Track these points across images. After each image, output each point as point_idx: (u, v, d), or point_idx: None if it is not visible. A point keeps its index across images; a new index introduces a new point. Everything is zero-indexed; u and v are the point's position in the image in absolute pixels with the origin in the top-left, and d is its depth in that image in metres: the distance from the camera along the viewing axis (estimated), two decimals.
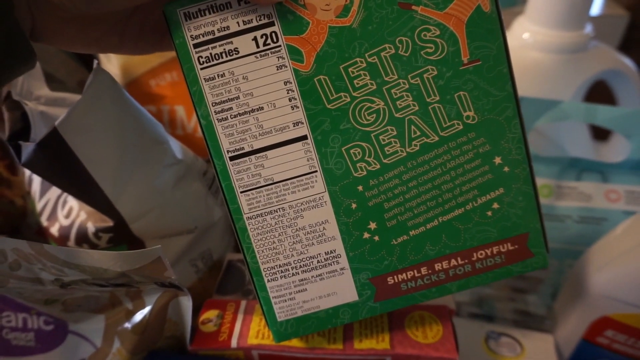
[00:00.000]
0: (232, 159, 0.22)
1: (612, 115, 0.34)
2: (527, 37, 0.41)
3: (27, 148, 0.23)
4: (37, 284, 0.23)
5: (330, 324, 0.25)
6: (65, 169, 0.23)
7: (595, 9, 0.56)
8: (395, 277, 0.24)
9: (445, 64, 0.21)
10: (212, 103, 0.21)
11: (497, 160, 0.23)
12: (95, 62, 0.23)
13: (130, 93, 0.38)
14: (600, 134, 0.50)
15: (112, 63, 0.38)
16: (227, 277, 0.32)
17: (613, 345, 0.30)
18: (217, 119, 0.21)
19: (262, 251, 0.23)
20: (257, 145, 0.22)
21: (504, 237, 0.24)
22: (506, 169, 0.23)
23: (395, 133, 0.22)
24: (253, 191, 0.22)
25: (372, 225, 0.23)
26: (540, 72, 0.41)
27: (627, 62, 0.42)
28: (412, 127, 0.22)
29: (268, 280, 0.24)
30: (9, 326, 0.27)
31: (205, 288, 0.33)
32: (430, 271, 0.24)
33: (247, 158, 0.22)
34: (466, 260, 0.24)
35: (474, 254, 0.24)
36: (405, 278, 0.25)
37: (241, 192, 0.22)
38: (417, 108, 0.22)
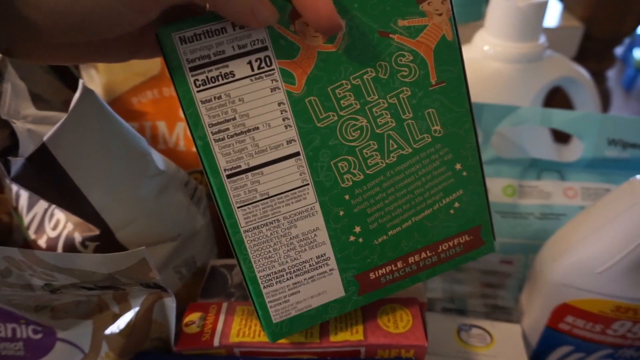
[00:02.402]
0: (229, 177, 0.23)
1: (566, 118, 0.37)
2: (487, 48, 0.44)
3: (17, 163, 0.24)
4: (28, 290, 0.24)
5: (320, 319, 0.27)
6: (53, 181, 0.25)
7: (552, 21, 0.60)
8: (376, 272, 0.27)
9: (417, 85, 0.24)
10: (208, 124, 0.22)
11: (458, 166, 0.26)
12: (81, 81, 0.25)
13: (114, 110, 0.39)
14: (562, 137, 0.53)
15: (95, 82, 0.39)
16: (210, 282, 0.34)
17: (574, 331, 0.33)
18: (214, 140, 0.22)
19: (258, 260, 0.25)
20: (254, 163, 0.23)
21: (463, 229, 0.27)
22: (465, 173, 0.26)
23: (376, 147, 0.25)
24: (250, 206, 0.24)
25: (357, 229, 0.26)
26: (500, 80, 0.43)
27: (580, 69, 0.45)
28: (390, 141, 0.25)
29: (264, 287, 0.26)
30: None
31: (189, 294, 0.35)
32: (404, 264, 0.27)
33: (243, 175, 0.23)
34: (433, 252, 0.27)
35: (440, 246, 0.27)
36: (385, 272, 0.27)
37: (238, 208, 0.24)
38: (394, 124, 0.25)
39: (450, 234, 0.27)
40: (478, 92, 0.44)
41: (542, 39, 0.44)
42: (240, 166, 0.23)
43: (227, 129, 0.23)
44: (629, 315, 0.30)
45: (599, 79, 0.62)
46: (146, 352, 0.28)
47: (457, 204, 0.26)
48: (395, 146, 0.25)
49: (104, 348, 0.28)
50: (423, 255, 0.27)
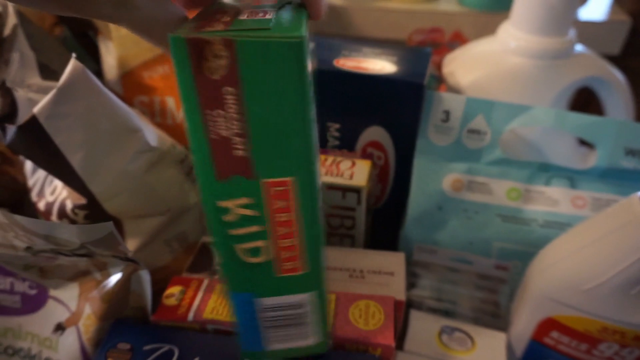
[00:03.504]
0: None
1: (580, 122, 0.35)
2: (509, 42, 0.42)
3: (10, 131, 0.26)
4: (12, 250, 0.26)
5: None
6: (42, 150, 0.26)
7: (599, 13, 0.56)
8: None
9: None
10: None
11: None
12: (73, 56, 0.26)
13: (126, 83, 0.41)
14: None
15: (111, 55, 0.41)
16: (198, 257, 0.35)
17: (559, 347, 0.31)
18: None
19: None
20: None
21: None
22: None
23: None
24: None
25: None
26: (520, 77, 0.41)
27: (612, 69, 0.42)
28: None
29: None
30: None
31: (180, 268, 0.36)
32: None
33: None
34: None
35: None
36: None
37: None
38: None
39: None
40: (495, 88, 0.42)
41: (571, 34, 0.41)
42: None
43: None
44: (616, 338, 0.28)
45: None
46: (125, 319, 0.30)
47: None
48: None
49: (87, 310, 0.29)
50: None
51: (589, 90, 0.43)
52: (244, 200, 0.21)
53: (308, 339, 0.26)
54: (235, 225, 0.21)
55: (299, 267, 0.23)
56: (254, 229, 0.21)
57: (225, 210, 0.21)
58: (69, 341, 0.30)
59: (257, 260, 0.22)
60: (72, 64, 0.26)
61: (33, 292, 0.31)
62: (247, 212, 0.21)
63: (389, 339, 0.28)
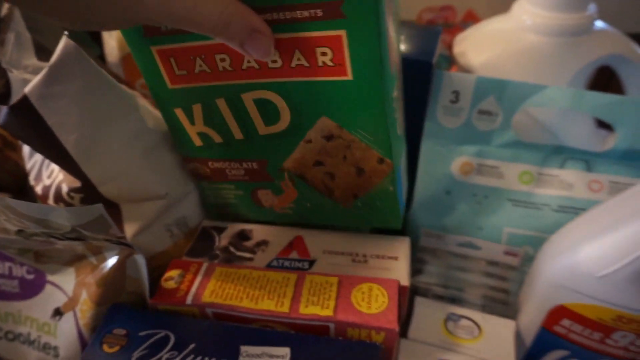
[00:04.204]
0: None
1: (599, 102, 0.33)
2: (525, 19, 0.40)
3: (2, 111, 0.25)
4: (4, 234, 0.25)
5: None
6: (36, 132, 0.26)
7: None
8: None
9: None
10: None
11: None
12: (64, 35, 0.25)
13: (127, 66, 0.40)
14: None
15: (112, 37, 0.40)
16: (198, 242, 0.34)
17: (570, 335, 0.30)
18: None
19: None
20: None
21: None
22: None
23: None
24: None
25: None
26: (536, 56, 0.39)
27: (635, 47, 0.40)
28: None
29: None
30: None
31: (181, 253, 0.35)
32: None
33: None
34: None
35: None
36: None
37: None
38: None
39: None
40: (509, 68, 0.40)
41: (591, 9, 0.38)
42: None
43: None
44: (632, 327, 0.27)
45: None
46: (122, 303, 0.29)
47: None
48: None
49: (83, 295, 0.29)
50: None
51: (610, 70, 0.41)
52: None
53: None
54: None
55: None
56: None
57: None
58: (67, 326, 0.30)
59: None
60: (64, 42, 0.25)
61: (31, 276, 0.31)
62: None
63: (392, 323, 0.27)
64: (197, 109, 0.29)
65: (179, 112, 0.30)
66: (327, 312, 0.27)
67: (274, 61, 0.25)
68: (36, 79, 0.24)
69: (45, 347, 0.31)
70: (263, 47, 0.22)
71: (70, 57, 0.25)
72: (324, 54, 0.24)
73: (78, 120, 0.26)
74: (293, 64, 0.25)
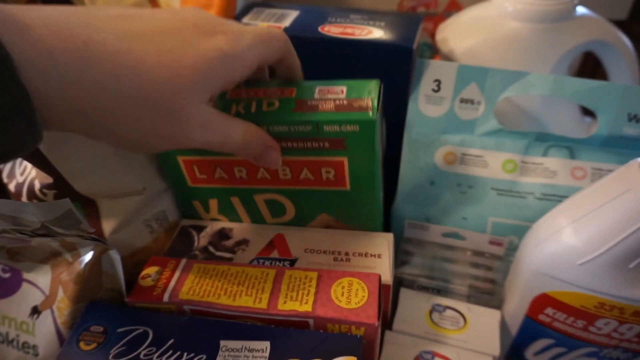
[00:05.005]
0: None
1: (580, 87, 0.33)
2: (507, 5, 0.39)
3: None
4: None
5: None
6: None
7: None
8: None
9: None
10: None
11: None
12: None
13: None
14: None
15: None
16: (177, 242, 0.34)
17: (554, 324, 0.30)
18: None
19: None
20: None
21: None
22: None
23: None
24: None
25: None
26: (517, 42, 0.39)
27: (618, 32, 0.39)
28: None
29: None
30: None
31: (161, 248, 0.35)
32: None
33: None
34: None
35: None
36: None
37: None
38: None
39: None
40: (491, 55, 0.40)
41: None
42: None
43: None
44: (614, 314, 0.27)
45: None
46: (99, 301, 0.29)
47: None
48: None
49: (59, 293, 0.28)
50: None
51: (597, 58, 0.41)
52: None
53: None
54: None
55: None
56: None
57: None
58: (45, 325, 0.29)
59: None
60: None
61: (7, 275, 0.30)
62: None
63: (372, 318, 0.26)
64: (213, 202, 0.34)
65: (196, 204, 0.34)
66: (306, 308, 0.27)
67: (285, 174, 0.30)
68: None
69: (25, 346, 0.30)
70: (274, 159, 0.27)
71: None
72: (327, 172, 0.30)
73: None
74: (301, 177, 0.30)
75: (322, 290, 0.28)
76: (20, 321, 0.30)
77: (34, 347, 0.30)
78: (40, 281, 0.29)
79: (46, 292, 0.29)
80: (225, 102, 0.29)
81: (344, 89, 0.29)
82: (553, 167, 0.35)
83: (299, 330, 0.26)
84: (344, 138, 0.28)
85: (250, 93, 0.29)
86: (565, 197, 0.34)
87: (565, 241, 0.26)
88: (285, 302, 0.27)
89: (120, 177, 0.30)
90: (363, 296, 0.28)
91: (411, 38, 0.35)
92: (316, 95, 0.29)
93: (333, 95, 0.29)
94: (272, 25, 0.38)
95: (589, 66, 0.54)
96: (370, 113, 0.27)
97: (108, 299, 0.29)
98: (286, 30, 0.38)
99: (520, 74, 0.34)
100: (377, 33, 0.36)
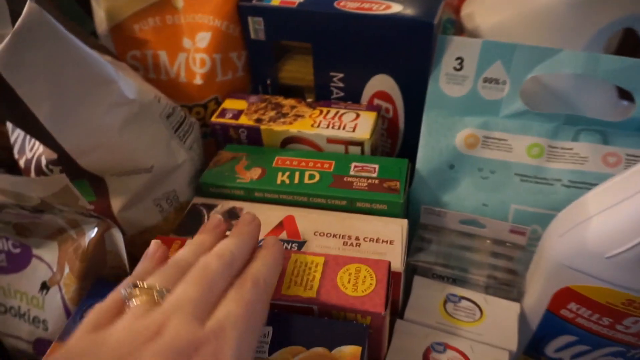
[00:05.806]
0: None
1: (615, 66, 0.30)
2: None
3: None
4: None
5: None
6: (7, 103, 0.25)
7: None
8: None
9: None
10: None
11: None
12: (29, 1, 0.24)
13: (116, 38, 0.38)
14: None
15: (100, 6, 0.38)
16: (187, 219, 0.33)
17: (578, 320, 0.28)
18: None
19: None
20: None
21: None
22: None
23: None
24: None
25: None
26: (550, 18, 0.36)
27: None
28: None
29: None
30: None
31: (171, 228, 0.34)
32: None
33: None
34: None
35: None
36: None
37: None
38: None
39: None
40: (521, 32, 0.37)
41: None
42: None
43: None
44: None
45: None
46: (105, 279, 0.28)
47: None
48: None
49: (66, 269, 0.28)
50: None
51: (638, 36, 0.37)
52: None
53: None
54: None
55: None
56: None
57: None
58: (54, 300, 0.29)
59: None
60: (28, 7, 0.23)
61: (17, 250, 0.30)
62: None
63: (378, 307, 0.25)
64: None
65: None
66: (310, 294, 0.26)
67: None
68: (0, 47, 0.23)
69: (35, 320, 0.30)
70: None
71: (36, 23, 0.24)
72: None
73: (49, 90, 0.25)
74: None
75: (328, 276, 0.27)
76: (31, 296, 0.30)
77: (44, 321, 0.30)
78: (48, 257, 0.29)
79: (54, 268, 0.29)
80: (272, 170, 0.34)
81: (376, 167, 0.34)
82: (583, 152, 0.32)
83: (303, 316, 0.26)
84: (374, 213, 0.32)
85: (294, 163, 0.34)
86: (596, 185, 0.32)
87: (593, 232, 0.24)
88: (289, 287, 0.26)
89: (127, 153, 0.29)
90: (370, 284, 0.26)
91: (432, 13, 0.33)
92: (351, 172, 0.33)
93: (366, 173, 0.33)
94: (284, 2, 0.37)
95: (629, 46, 0.50)
96: (398, 195, 0.31)
97: (113, 276, 0.29)
98: (300, 5, 0.37)
99: (551, 51, 0.31)
100: (395, 7, 0.34)
